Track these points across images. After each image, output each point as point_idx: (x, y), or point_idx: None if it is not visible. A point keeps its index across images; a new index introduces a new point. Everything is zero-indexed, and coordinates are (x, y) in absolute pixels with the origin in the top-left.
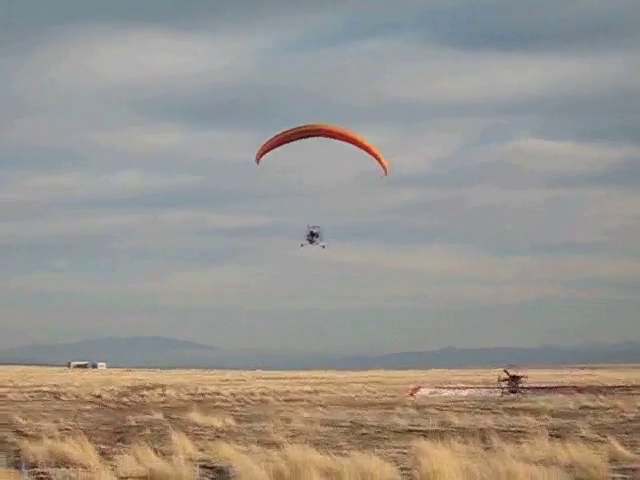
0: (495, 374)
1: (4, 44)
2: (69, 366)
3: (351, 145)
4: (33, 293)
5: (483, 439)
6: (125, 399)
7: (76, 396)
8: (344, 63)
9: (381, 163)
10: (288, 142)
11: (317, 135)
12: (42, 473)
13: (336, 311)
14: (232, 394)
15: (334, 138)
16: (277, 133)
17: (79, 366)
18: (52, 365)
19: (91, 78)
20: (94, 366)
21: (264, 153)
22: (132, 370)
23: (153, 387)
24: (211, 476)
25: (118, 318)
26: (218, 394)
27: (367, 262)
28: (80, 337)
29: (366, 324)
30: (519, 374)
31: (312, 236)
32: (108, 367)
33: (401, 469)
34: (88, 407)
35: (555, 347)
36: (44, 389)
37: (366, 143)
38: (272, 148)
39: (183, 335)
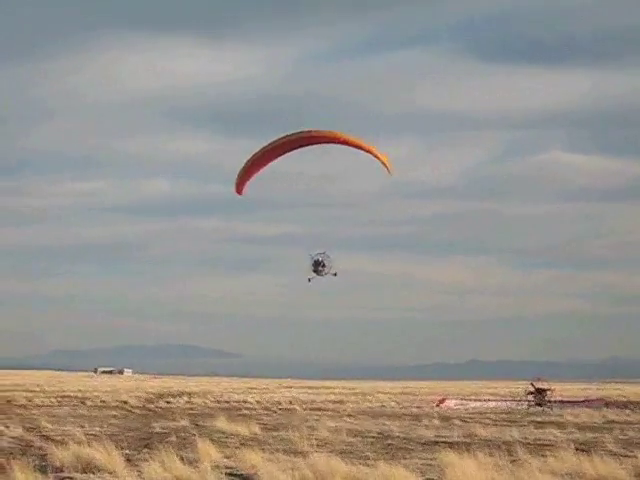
0: (521, 386)
1: (32, 51)
2: (96, 372)
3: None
4: (61, 298)
5: (509, 451)
6: (151, 405)
7: (102, 402)
8: (374, 74)
9: (381, 160)
10: (276, 158)
11: (308, 144)
12: (68, 478)
13: (363, 321)
14: (258, 402)
15: (326, 143)
16: (257, 152)
17: (105, 372)
18: (79, 370)
19: (121, 85)
20: (120, 372)
21: (245, 182)
22: (158, 377)
23: (179, 394)
24: None
25: (145, 325)
26: (244, 402)
27: (394, 273)
28: (107, 343)
29: (392, 335)
30: (546, 387)
31: (318, 266)
32: (134, 373)
33: None
34: (114, 413)
35: (581, 361)
36: (71, 394)
37: (360, 142)
38: (255, 172)
39: (210, 343)
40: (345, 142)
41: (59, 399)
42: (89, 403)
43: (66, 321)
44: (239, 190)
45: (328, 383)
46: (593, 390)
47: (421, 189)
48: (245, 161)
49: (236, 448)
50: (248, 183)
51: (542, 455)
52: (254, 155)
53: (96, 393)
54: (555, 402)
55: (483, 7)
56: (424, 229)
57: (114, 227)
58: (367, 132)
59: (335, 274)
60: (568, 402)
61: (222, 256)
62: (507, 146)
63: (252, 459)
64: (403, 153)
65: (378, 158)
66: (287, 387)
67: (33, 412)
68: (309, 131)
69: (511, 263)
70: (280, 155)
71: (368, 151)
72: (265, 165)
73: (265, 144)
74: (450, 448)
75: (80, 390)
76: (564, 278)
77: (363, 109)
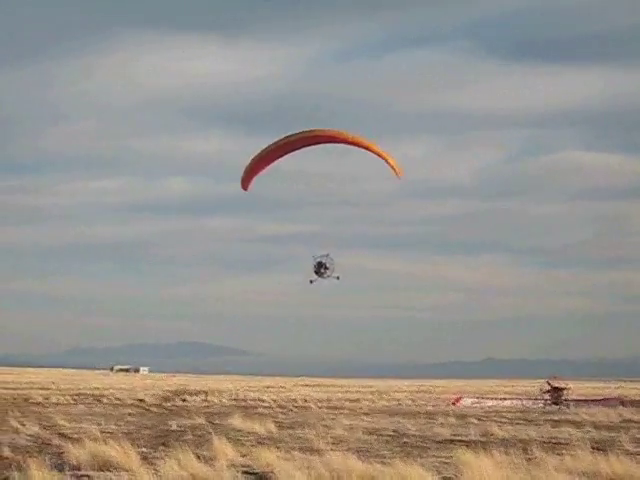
0: (537, 385)
1: (44, 52)
2: (112, 370)
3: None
4: (77, 297)
5: (525, 450)
6: (168, 404)
7: (119, 400)
8: (387, 73)
9: (389, 164)
10: (282, 156)
11: (316, 143)
12: (85, 476)
13: (376, 319)
14: (274, 400)
15: (334, 142)
16: (263, 149)
17: (122, 370)
18: (95, 369)
19: (134, 85)
20: (136, 370)
21: (252, 177)
22: (175, 375)
23: (196, 392)
24: None
25: (161, 323)
26: (260, 400)
27: (410, 271)
28: (123, 341)
29: (406, 333)
30: (562, 386)
31: (320, 268)
32: (150, 372)
33: (443, 478)
34: (131, 411)
35: (599, 359)
36: (87, 392)
37: (369, 144)
38: (261, 169)
39: (225, 341)
40: (353, 143)
41: (75, 397)
42: (105, 401)
43: (82, 319)
44: (245, 186)
45: (344, 382)
46: (611, 389)
47: (437, 188)
48: (252, 158)
49: (252, 446)
50: (254, 179)
51: (558, 454)
52: (261, 152)
53: (112, 391)
54: (571, 401)
55: (495, 6)
56: (438, 228)
57: (130, 226)
58: (380, 132)
59: (338, 277)
60: (584, 401)
61: (238, 255)
62: (522, 145)
63: (268, 457)
64: (417, 153)
65: (387, 161)
66: (304, 385)
67: (49, 410)
68: (316, 130)
69: (528, 262)
70: (286, 153)
71: (376, 153)
72: (271, 162)
73: (272, 142)
74: (466, 447)
75: (97, 388)
76: (583, 278)
77: (376, 109)
